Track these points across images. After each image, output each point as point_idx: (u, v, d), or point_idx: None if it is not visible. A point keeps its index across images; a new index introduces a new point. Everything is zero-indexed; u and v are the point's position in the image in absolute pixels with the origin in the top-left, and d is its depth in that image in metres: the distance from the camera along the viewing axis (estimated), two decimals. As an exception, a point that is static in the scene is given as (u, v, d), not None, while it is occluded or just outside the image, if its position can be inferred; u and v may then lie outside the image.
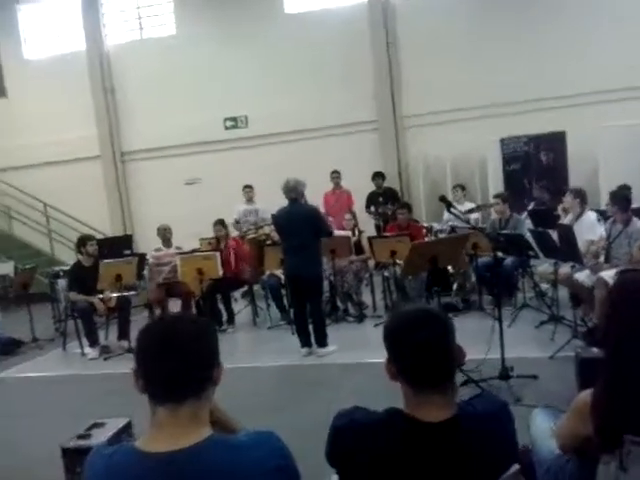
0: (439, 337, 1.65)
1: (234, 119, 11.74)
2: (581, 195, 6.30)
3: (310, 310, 6.06)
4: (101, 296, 6.71)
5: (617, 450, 1.79)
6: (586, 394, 1.94)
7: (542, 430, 2.32)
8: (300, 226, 5.84)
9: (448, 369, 1.68)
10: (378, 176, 10.08)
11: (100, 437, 2.65)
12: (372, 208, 9.92)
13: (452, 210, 4.67)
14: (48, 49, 12.61)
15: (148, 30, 12.35)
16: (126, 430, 2.76)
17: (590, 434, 1.88)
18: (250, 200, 9.54)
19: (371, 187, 10.09)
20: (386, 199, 9.77)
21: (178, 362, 1.51)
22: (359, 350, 5.81)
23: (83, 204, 11.92)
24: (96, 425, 2.78)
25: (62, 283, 7.41)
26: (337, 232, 7.60)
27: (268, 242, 7.90)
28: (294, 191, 5.93)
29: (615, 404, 1.83)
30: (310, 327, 6.07)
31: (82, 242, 7.01)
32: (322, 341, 6.03)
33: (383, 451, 1.62)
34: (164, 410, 1.51)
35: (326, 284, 7.40)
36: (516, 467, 1.68)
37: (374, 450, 1.63)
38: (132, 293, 7.01)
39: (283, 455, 1.57)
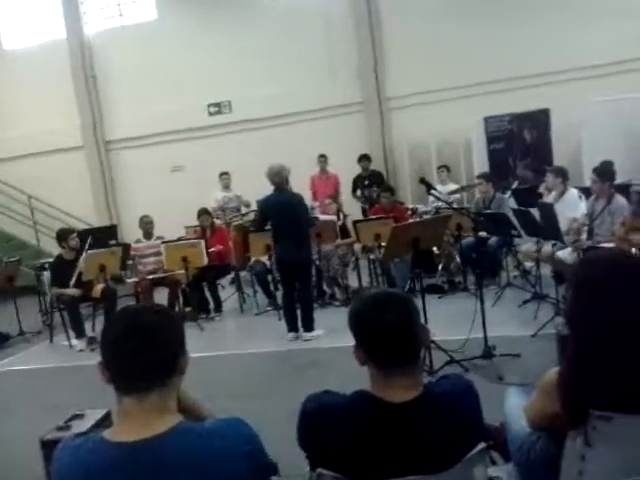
0: (405, 318, 1.68)
1: (217, 105, 11.65)
2: (562, 173, 6.32)
3: (299, 294, 6.11)
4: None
5: (583, 426, 1.81)
6: (553, 372, 1.96)
7: (515, 408, 2.34)
8: (291, 212, 5.92)
9: (414, 349, 1.71)
10: (364, 158, 10.03)
11: (80, 428, 2.65)
12: (358, 192, 9.90)
13: (432, 192, 4.68)
14: (27, 39, 12.40)
15: (128, 16, 12.18)
16: (106, 420, 2.77)
17: (557, 411, 1.90)
18: (227, 187, 9.49)
19: (357, 170, 10.07)
20: (372, 182, 9.75)
21: (142, 352, 1.51)
22: (346, 334, 5.79)
23: (68, 195, 11.82)
24: (76, 416, 2.79)
25: (47, 275, 7.37)
26: (323, 216, 7.62)
27: (253, 229, 7.88)
28: (278, 176, 5.95)
29: (580, 379, 1.85)
30: (298, 312, 6.10)
31: (62, 236, 6.95)
32: (309, 325, 6.06)
33: (350, 433, 1.65)
34: (130, 400, 1.52)
35: (312, 269, 7.42)
36: (481, 446, 1.70)
37: (342, 432, 1.66)
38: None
39: (250, 441, 1.59)
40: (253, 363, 5.67)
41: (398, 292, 1.77)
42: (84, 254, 6.79)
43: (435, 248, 7.24)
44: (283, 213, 5.94)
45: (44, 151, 11.98)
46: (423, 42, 10.36)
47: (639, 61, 9.25)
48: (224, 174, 9.55)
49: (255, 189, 9.15)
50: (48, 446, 2.61)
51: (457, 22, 10.20)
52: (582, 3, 9.65)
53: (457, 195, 8.34)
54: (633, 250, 4.84)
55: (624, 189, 6.52)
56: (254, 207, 8.57)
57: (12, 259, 8.37)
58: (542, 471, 2.02)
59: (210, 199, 9.24)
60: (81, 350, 6.62)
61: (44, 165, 11.98)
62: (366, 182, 9.80)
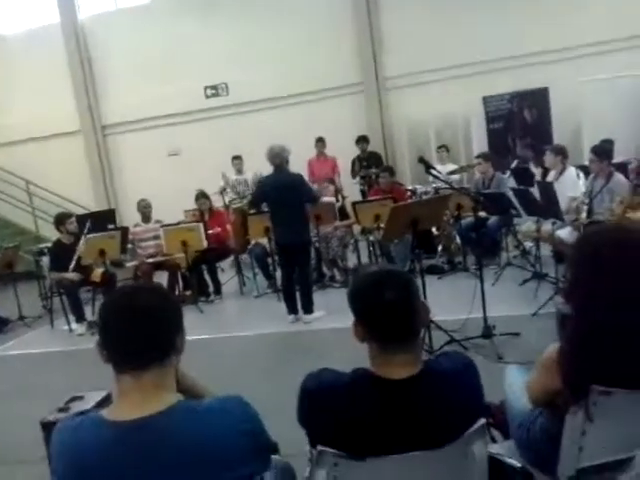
0: (405, 295, 1.68)
1: (214, 87, 11.57)
2: (562, 152, 6.28)
3: (298, 276, 6.08)
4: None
5: (583, 401, 1.81)
6: (553, 347, 1.95)
7: (515, 386, 2.34)
8: (288, 194, 5.84)
9: (414, 326, 1.71)
10: (362, 140, 9.98)
11: (80, 409, 2.65)
12: (357, 174, 9.86)
13: (431, 171, 4.65)
14: (22, 24, 12.30)
15: (123, -1, 12.07)
16: (106, 402, 2.77)
17: (558, 387, 1.90)
18: (240, 172, 9.42)
19: (356, 152, 10.01)
20: (370, 163, 9.70)
21: (139, 330, 1.52)
22: (346, 315, 5.79)
23: (65, 180, 11.80)
24: (76, 398, 2.80)
25: (46, 260, 7.36)
26: (324, 198, 7.58)
27: (252, 211, 7.86)
28: (278, 157, 5.89)
29: (581, 355, 1.84)
30: (297, 294, 6.10)
31: (60, 220, 6.94)
32: (309, 307, 6.06)
33: (351, 410, 1.65)
34: (128, 378, 1.52)
35: (312, 251, 7.40)
36: (481, 422, 1.69)
37: (342, 409, 1.65)
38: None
39: (250, 419, 1.59)
40: (253, 345, 5.67)
41: (397, 269, 1.76)
42: (83, 238, 6.78)
43: (434, 229, 7.23)
44: (281, 195, 5.87)
45: (41, 136, 11.96)
46: (421, 21, 10.26)
47: (637, 39, 9.17)
48: (236, 158, 9.38)
49: (252, 171, 9.15)
50: (48, 427, 2.61)
51: (455, 1, 10.09)
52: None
53: (457, 176, 8.31)
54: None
55: (624, 167, 6.49)
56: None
57: (11, 245, 8.36)
58: (542, 447, 2.02)
59: (212, 183, 9.13)
60: (81, 334, 6.63)
61: (41, 150, 11.95)
62: (364, 163, 9.76)
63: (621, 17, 9.11)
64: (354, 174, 9.90)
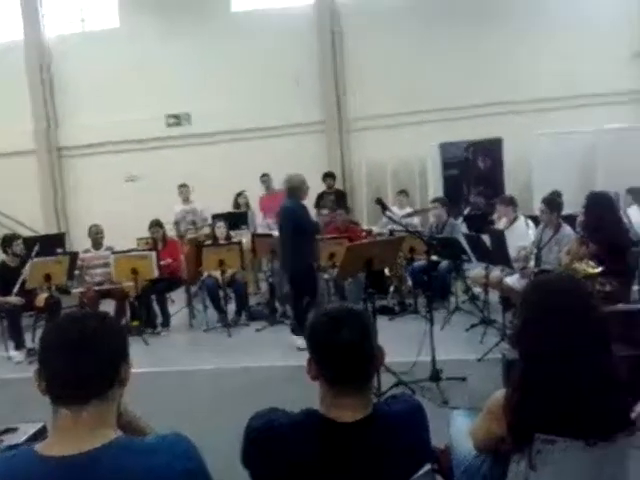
0: (362, 337, 1.65)
1: (177, 116, 11.55)
2: (512, 202, 6.49)
3: None
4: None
5: (527, 449, 1.82)
6: (500, 393, 1.98)
7: (461, 431, 2.34)
8: (281, 222, 6.14)
9: (368, 370, 1.69)
10: (329, 176, 10.00)
11: (12, 442, 2.52)
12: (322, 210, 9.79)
13: (387, 213, 4.72)
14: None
15: (90, 22, 12.00)
16: (40, 435, 2.64)
17: (503, 433, 1.91)
18: (186, 200, 9.32)
19: (317, 188, 10.03)
20: (337, 200, 9.70)
21: (81, 360, 1.45)
22: (296, 353, 5.77)
23: (15, 200, 11.42)
24: (8, 430, 2.66)
25: (-12, 282, 7.07)
26: (276, 233, 7.58)
27: (207, 242, 7.78)
28: (284, 185, 6.16)
29: (527, 402, 1.86)
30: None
31: (7, 242, 6.70)
32: (296, 329, 6.02)
33: (298, 452, 1.62)
34: (66, 412, 1.45)
35: (264, 286, 7.32)
36: (428, 467, 1.69)
37: (288, 452, 1.62)
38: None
39: (191, 457, 1.53)
40: (199, 381, 5.53)
41: (358, 309, 1.73)
42: (29, 262, 6.56)
43: (387, 270, 7.30)
44: (280, 221, 6.17)
45: (-7, 154, 11.62)
46: (384, 67, 10.59)
47: (588, 97, 9.68)
48: (183, 186, 9.33)
49: (212, 202, 9.09)
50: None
51: (418, 50, 10.49)
52: (536, 38, 10.05)
53: (416, 220, 8.41)
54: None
55: (572, 219, 6.72)
56: (210, 222, 8.50)
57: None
58: (485, 494, 2.02)
59: (169, 212, 9.06)
60: (19, 362, 6.36)
61: (-8, 168, 11.60)
62: (332, 197, 9.78)
63: (572, 76, 9.63)
64: (319, 209, 9.84)
